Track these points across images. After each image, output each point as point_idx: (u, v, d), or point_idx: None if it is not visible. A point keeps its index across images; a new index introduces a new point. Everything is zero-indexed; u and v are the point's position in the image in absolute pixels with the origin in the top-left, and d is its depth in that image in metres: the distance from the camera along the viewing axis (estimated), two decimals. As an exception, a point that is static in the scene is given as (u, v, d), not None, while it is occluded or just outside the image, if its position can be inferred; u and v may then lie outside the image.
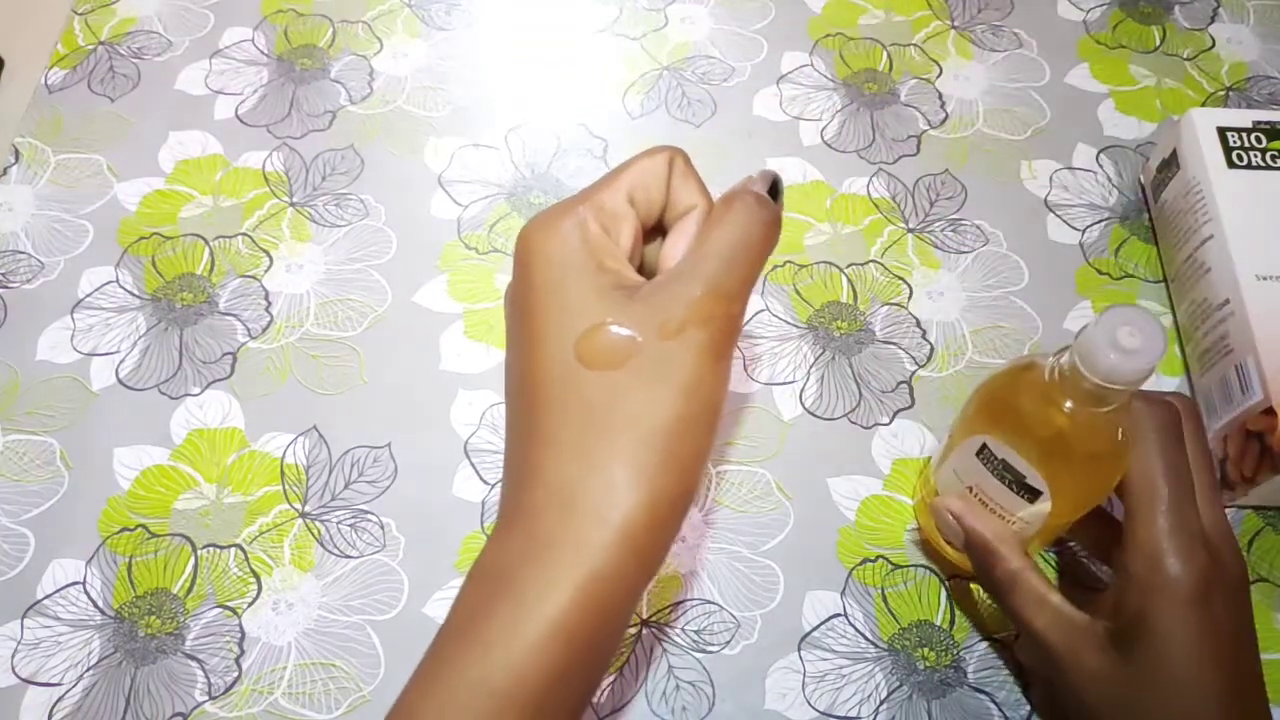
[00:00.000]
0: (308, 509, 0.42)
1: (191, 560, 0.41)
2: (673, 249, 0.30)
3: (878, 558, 0.41)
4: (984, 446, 0.34)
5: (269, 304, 0.47)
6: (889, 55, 0.57)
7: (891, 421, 0.44)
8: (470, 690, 0.24)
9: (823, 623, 0.40)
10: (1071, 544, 0.42)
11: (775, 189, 0.30)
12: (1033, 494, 0.34)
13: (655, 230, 0.31)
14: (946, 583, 0.41)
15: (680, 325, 0.26)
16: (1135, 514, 0.33)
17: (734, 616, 0.40)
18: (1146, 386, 0.31)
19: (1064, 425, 0.32)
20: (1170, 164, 0.48)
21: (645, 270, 0.31)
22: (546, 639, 0.24)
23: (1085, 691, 0.33)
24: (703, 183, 0.30)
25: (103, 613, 0.39)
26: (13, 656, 0.38)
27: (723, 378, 0.27)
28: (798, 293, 0.48)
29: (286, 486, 0.42)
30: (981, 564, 0.36)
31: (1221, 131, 0.46)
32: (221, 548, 0.41)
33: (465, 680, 0.24)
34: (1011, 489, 0.34)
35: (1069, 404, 0.31)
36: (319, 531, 0.41)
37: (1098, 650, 0.33)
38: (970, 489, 0.36)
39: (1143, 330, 0.28)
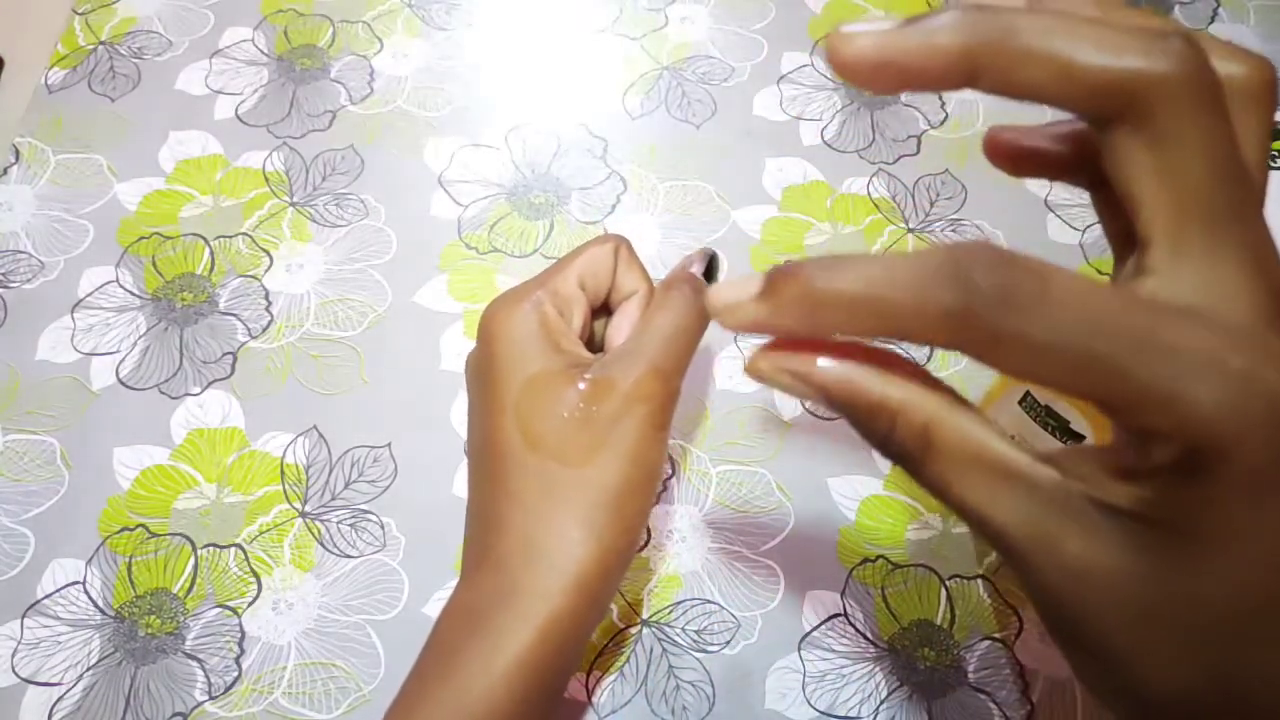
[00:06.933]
0: (308, 509, 0.42)
1: (191, 560, 0.41)
2: (617, 330, 0.34)
3: (878, 557, 0.41)
4: (1027, 394, 0.35)
5: (269, 304, 0.47)
6: (889, 55, 0.57)
7: (891, 421, 0.44)
8: (448, 716, 0.28)
9: (823, 623, 0.40)
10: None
11: (712, 267, 0.34)
12: (1077, 439, 0.34)
13: (602, 309, 0.36)
14: (946, 582, 0.41)
15: (626, 401, 0.30)
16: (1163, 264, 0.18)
17: (734, 616, 0.40)
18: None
19: None
20: (1170, 164, 0.48)
21: (593, 344, 0.36)
22: (514, 672, 0.28)
23: (1069, 603, 0.19)
24: (644, 269, 0.35)
25: (103, 612, 0.39)
26: (13, 656, 0.38)
27: (663, 445, 0.31)
28: (798, 293, 0.48)
29: (286, 486, 0.42)
30: (871, 430, 0.20)
31: (1221, 131, 0.46)
32: (221, 547, 0.41)
33: (444, 707, 0.28)
34: (1055, 435, 0.35)
35: None
36: (319, 531, 0.41)
37: (1083, 533, 0.18)
38: (1011, 438, 0.37)
39: None
